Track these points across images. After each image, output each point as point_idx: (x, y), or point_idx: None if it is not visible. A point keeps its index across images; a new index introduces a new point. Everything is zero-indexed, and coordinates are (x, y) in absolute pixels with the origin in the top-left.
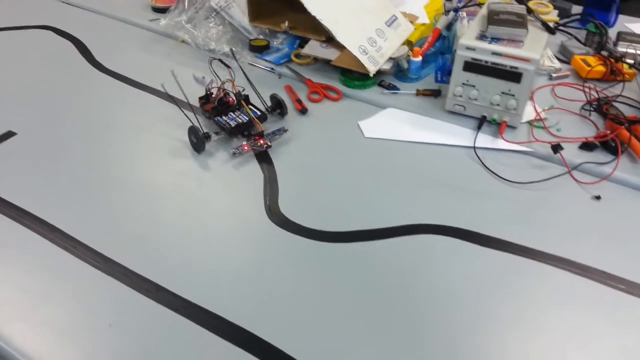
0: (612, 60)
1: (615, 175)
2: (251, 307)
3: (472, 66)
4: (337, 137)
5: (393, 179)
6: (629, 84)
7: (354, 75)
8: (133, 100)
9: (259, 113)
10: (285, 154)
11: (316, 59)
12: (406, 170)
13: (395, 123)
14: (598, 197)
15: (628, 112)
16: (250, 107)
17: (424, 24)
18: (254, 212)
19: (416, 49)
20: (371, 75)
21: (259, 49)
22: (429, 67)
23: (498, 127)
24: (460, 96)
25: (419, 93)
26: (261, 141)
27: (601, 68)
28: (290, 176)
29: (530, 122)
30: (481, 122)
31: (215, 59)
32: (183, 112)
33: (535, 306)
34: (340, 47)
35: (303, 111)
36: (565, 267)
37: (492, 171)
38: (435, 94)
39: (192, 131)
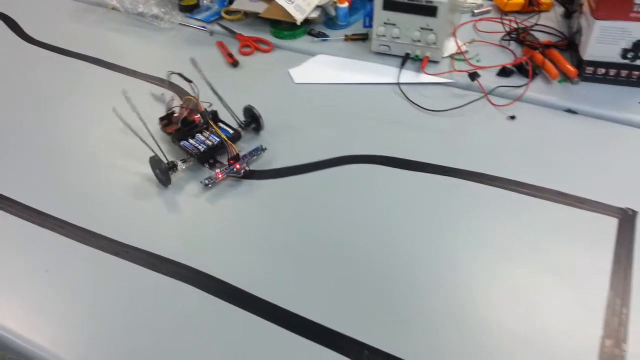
0: None
1: (530, 96)
2: (185, 244)
3: (391, 4)
4: (269, 85)
5: (323, 119)
6: (546, 14)
7: (284, 26)
8: (70, 74)
9: (231, 132)
10: None
11: (246, 14)
12: (336, 109)
13: (324, 68)
14: (513, 117)
15: (544, 39)
16: (220, 125)
17: None
18: None
19: None
20: (298, 23)
21: (189, 9)
22: (357, 14)
23: (421, 62)
24: (384, 36)
25: (347, 38)
26: (237, 165)
27: (519, 0)
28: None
29: (451, 56)
30: (404, 59)
31: (174, 73)
32: (143, 141)
33: (461, 216)
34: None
35: (234, 64)
36: (481, 181)
37: (415, 103)
38: (363, 37)
39: (155, 163)
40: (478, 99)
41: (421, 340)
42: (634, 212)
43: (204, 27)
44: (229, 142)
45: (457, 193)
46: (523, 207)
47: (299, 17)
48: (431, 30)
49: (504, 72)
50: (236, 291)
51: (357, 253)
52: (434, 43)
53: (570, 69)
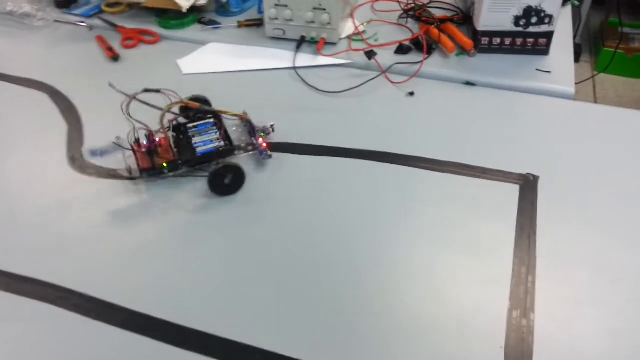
0: None
1: (428, 71)
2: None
3: None
4: (154, 78)
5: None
6: None
7: (170, 15)
8: None
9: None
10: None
11: (130, 5)
12: (230, 99)
13: (216, 57)
14: (412, 94)
15: (440, 14)
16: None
17: None
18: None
19: None
20: (184, 11)
21: (65, 4)
22: (251, 0)
23: (317, 45)
24: (277, 19)
25: (240, 25)
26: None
27: None
28: (95, 116)
29: (349, 37)
30: (300, 42)
31: (133, 97)
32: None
33: (367, 195)
34: None
35: (115, 58)
36: (383, 159)
37: (312, 86)
38: (258, 23)
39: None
40: (376, 77)
41: (322, 330)
42: (535, 178)
43: (82, 22)
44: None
45: (360, 173)
46: (426, 183)
47: (185, 5)
48: (324, 10)
49: (401, 49)
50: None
51: (260, 250)
52: (329, 23)
53: (467, 41)
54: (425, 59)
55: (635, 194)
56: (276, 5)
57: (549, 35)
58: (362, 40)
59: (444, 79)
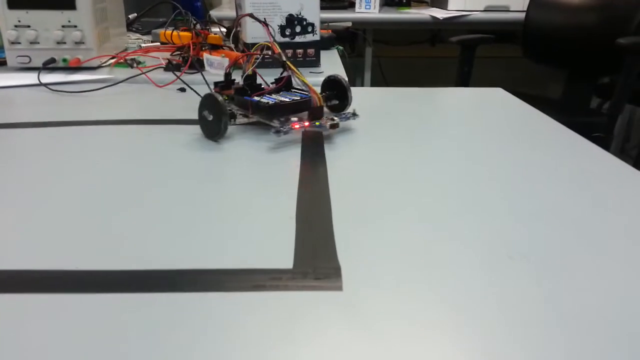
0: None
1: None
2: None
3: (17, 1)
4: None
5: None
6: None
7: None
8: None
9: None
10: None
11: None
12: None
13: None
14: (182, 90)
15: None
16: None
17: None
18: None
19: None
20: None
21: None
22: None
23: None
24: (19, 42)
25: None
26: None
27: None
28: None
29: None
30: (49, 63)
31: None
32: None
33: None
34: None
35: None
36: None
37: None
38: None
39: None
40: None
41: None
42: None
43: None
44: (313, 89)
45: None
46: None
47: None
48: (75, 26)
49: (170, 65)
50: None
51: None
52: (82, 42)
53: (237, 55)
54: (190, 67)
55: None
56: (16, 26)
57: (315, 45)
58: (127, 65)
59: None
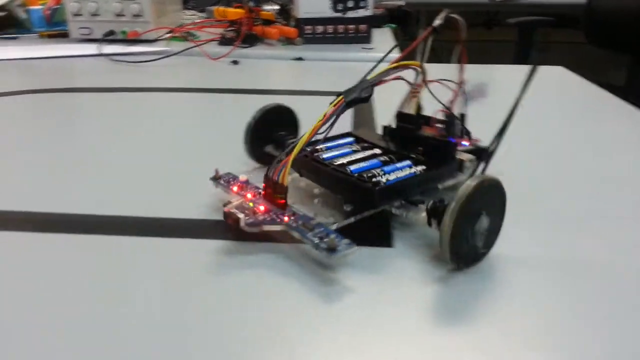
0: None
1: (254, 53)
2: None
3: None
4: None
5: None
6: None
7: None
8: None
9: None
10: None
11: None
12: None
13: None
14: (235, 62)
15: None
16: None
17: None
18: None
19: None
20: None
21: None
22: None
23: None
24: (81, 14)
25: (42, 35)
26: None
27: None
28: None
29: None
30: (109, 35)
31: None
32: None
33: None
34: None
35: None
36: None
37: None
38: (63, 33)
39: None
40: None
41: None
42: None
43: None
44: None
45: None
46: None
47: None
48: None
49: (224, 40)
50: None
51: None
52: (140, 15)
53: (290, 30)
54: (243, 41)
55: None
56: None
57: (367, 20)
58: (183, 39)
59: (271, 57)
